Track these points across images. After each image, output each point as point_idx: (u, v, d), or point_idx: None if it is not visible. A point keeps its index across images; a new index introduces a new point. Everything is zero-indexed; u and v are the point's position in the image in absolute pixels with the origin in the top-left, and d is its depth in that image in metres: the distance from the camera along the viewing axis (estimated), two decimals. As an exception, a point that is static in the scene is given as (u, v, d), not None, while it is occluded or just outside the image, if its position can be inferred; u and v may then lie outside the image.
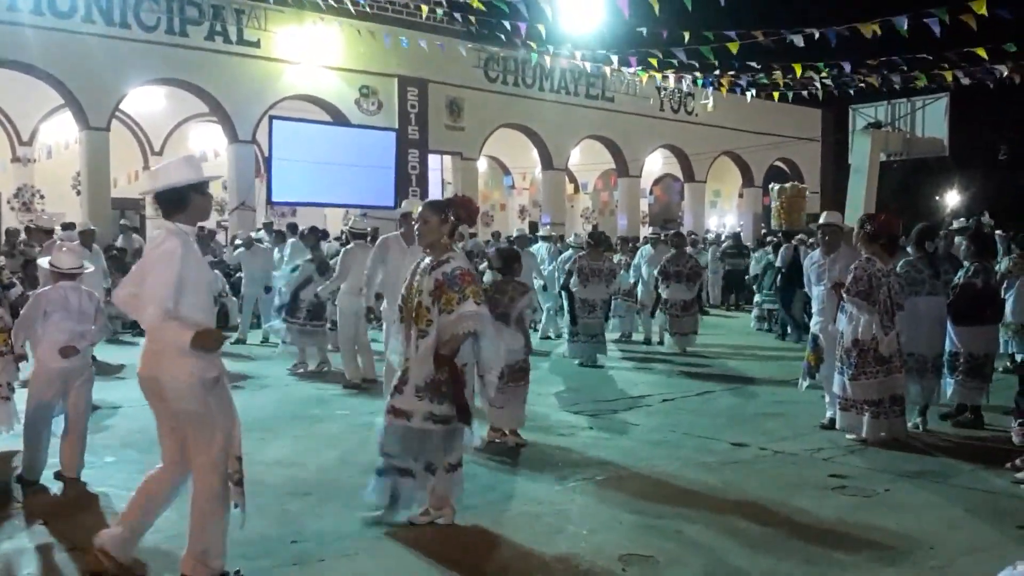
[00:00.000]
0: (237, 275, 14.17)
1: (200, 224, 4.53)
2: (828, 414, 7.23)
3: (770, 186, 24.27)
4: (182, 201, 3.83)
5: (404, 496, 4.72)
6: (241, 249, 13.09)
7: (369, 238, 10.21)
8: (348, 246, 9.84)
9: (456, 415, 4.60)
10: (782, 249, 13.89)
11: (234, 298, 14.38)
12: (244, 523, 3.98)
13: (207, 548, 3.81)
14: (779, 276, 13.63)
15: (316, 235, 11.08)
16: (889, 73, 14.77)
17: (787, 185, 23.82)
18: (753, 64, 14.96)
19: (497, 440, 6.57)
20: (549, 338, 13.53)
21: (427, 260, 4.72)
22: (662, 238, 14.63)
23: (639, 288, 13.35)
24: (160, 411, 3.87)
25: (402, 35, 18.38)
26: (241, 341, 12.50)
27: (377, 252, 8.00)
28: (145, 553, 4.32)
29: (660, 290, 12.53)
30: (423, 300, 4.57)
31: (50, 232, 10.86)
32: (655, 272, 12.67)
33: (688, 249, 13.60)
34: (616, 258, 14.29)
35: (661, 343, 12.85)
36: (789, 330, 13.51)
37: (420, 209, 4.79)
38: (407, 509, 4.76)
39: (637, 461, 6.17)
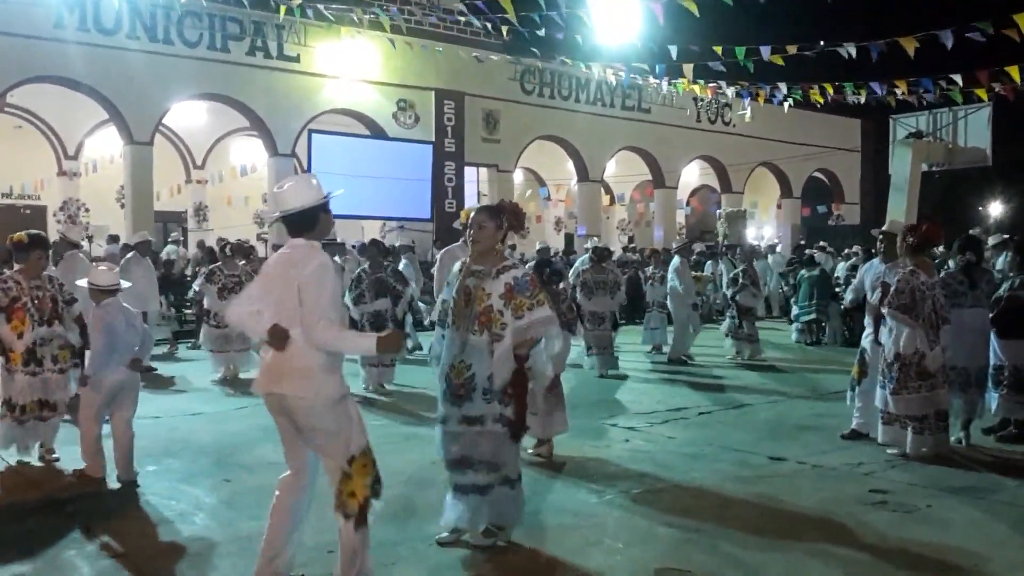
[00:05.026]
0: None
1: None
2: (852, 425, 7.21)
3: (718, 211, 26.32)
4: (311, 221, 3.93)
5: (479, 514, 4.52)
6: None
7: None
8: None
9: (514, 422, 4.46)
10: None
11: None
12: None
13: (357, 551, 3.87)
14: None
15: (378, 247, 10.73)
16: (924, 93, 14.67)
17: (729, 209, 26.44)
18: (786, 84, 14.98)
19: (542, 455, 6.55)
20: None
21: (479, 266, 4.59)
22: (692, 247, 14.57)
23: (669, 301, 12.60)
24: (283, 425, 3.92)
25: (439, 47, 18.51)
26: None
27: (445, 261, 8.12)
28: (186, 557, 4.39)
29: (742, 300, 12.46)
30: (495, 304, 4.45)
31: (75, 244, 10.58)
32: (740, 283, 12.56)
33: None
34: (650, 270, 14.25)
35: (691, 358, 12.31)
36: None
37: (475, 214, 4.67)
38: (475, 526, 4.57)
39: (674, 474, 6.13)
